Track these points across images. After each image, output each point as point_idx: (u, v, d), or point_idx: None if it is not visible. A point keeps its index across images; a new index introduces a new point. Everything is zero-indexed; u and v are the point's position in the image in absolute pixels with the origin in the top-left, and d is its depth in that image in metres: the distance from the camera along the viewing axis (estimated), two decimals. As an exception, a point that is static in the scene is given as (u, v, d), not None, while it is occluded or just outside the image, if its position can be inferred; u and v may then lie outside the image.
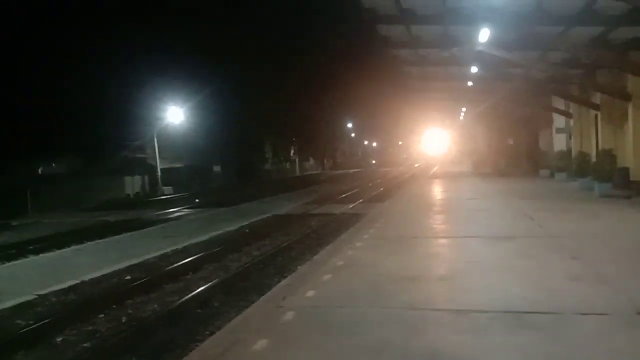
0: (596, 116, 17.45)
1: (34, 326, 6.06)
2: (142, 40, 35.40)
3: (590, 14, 11.51)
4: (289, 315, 4.78)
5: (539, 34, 13.27)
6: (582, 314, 4.33)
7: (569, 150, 20.61)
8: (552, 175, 21.09)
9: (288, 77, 53.34)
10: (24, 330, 5.96)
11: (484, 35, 12.83)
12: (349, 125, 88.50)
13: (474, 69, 18.20)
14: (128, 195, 34.56)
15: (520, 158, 29.17)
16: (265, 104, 50.22)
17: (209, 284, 7.91)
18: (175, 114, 38.03)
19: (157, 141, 36.57)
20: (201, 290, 7.35)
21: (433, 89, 29.21)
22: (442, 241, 8.44)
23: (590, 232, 8.40)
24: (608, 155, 13.34)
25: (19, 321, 6.44)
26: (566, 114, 21.29)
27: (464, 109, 36.79)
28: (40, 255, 11.25)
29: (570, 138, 21.50)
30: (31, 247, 12.96)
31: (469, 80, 21.92)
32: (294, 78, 55.06)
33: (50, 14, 35.05)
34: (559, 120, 22.84)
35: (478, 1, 11.55)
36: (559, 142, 22.89)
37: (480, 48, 14.04)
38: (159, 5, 40.48)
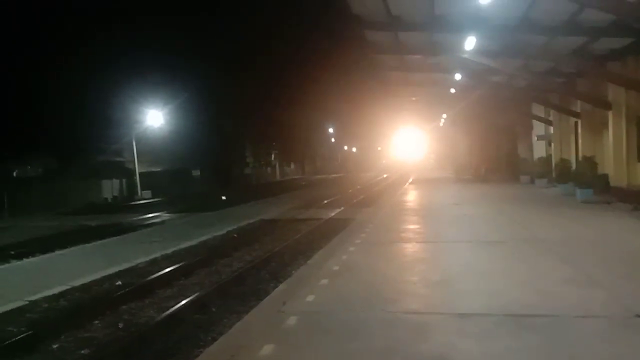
0: (576, 124, 17.89)
1: (28, 333, 5.90)
2: (121, 42, 34.85)
3: (574, 25, 11.84)
4: (292, 320, 4.78)
5: (524, 43, 13.57)
6: (581, 316, 4.44)
7: (549, 157, 21.04)
8: (532, 182, 21.47)
9: (269, 82, 53.26)
10: (19, 337, 5.79)
11: (470, 43, 13.06)
12: (330, 130, 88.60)
13: (458, 76, 18.49)
14: (106, 199, 34.03)
15: (501, 164, 29.60)
16: (245, 108, 50.02)
17: (204, 289, 7.83)
18: (154, 118, 37.34)
19: (136, 145, 36.02)
20: (197, 296, 7.25)
21: (415, 95, 29.59)
22: (434, 246, 8.56)
23: (577, 237, 8.62)
24: (589, 162, 13.66)
25: (11, 328, 6.27)
26: (546, 122, 21.75)
27: (444, 115, 37.23)
28: (24, 260, 10.93)
29: (550, 145, 21.96)
30: (13, 252, 12.60)
31: (452, 87, 22.26)
32: (275, 82, 55.04)
33: (26, 13, 34.25)
34: (538, 128, 23.32)
35: (465, 11, 11.78)
36: (539, 149, 23.35)
37: (465, 56, 14.31)
38: (138, 9, 39.86)
